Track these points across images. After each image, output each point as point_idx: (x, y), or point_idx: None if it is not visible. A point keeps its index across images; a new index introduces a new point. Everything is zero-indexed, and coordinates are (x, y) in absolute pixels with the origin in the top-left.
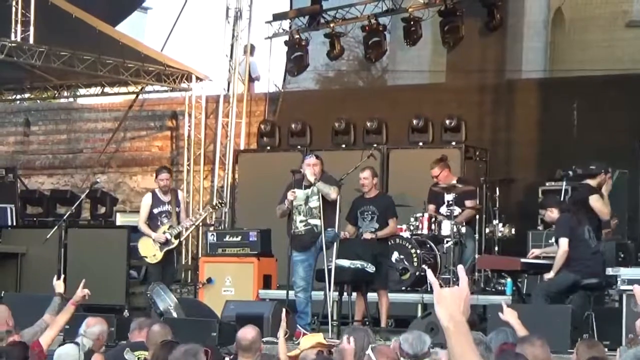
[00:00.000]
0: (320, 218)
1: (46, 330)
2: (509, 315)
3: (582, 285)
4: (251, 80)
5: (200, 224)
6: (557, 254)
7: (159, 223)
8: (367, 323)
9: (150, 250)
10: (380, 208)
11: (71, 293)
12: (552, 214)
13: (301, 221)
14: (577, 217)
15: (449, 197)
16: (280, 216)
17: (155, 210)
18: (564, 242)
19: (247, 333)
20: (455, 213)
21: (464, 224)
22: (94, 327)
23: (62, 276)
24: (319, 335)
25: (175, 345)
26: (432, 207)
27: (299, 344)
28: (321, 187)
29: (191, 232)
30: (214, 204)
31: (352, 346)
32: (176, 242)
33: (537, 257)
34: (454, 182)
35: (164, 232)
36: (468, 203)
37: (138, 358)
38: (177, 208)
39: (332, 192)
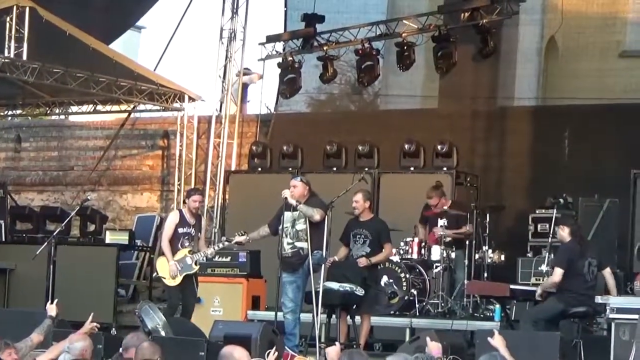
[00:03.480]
0: (307, 241)
1: (44, 354)
2: (498, 342)
3: (571, 314)
4: (244, 99)
5: None
6: (549, 280)
7: (179, 245)
8: (354, 346)
9: (168, 272)
10: (373, 232)
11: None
12: (563, 232)
13: (288, 243)
14: (583, 246)
15: (441, 221)
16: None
17: (180, 230)
18: (558, 272)
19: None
20: (447, 239)
21: (454, 249)
22: (77, 343)
23: (56, 300)
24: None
25: None
26: (422, 231)
27: None
28: (303, 210)
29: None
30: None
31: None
32: (196, 267)
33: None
34: (447, 207)
35: (185, 256)
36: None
37: None
38: (199, 233)
39: (315, 214)
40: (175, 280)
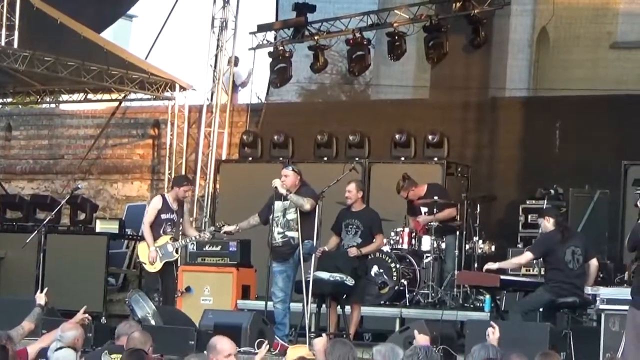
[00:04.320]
0: (297, 230)
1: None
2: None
3: (558, 304)
4: (236, 88)
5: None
6: (514, 259)
7: (161, 231)
8: (344, 336)
9: (147, 257)
10: (365, 222)
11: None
12: (548, 223)
13: (279, 233)
14: (565, 235)
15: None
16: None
17: (163, 216)
18: (526, 255)
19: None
20: (433, 225)
21: (444, 238)
22: (68, 331)
23: (46, 289)
24: (304, 347)
25: (143, 354)
26: (411, 219)
27: (277, 355)
28: (294, 200)
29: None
30: (218, 225)
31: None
32: (177, 255)
33: (489, 270)
34: (424, 192)
35: (167, 242)
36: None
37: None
38: (181, 219)
39: (306, 204)
40: (154, 266)
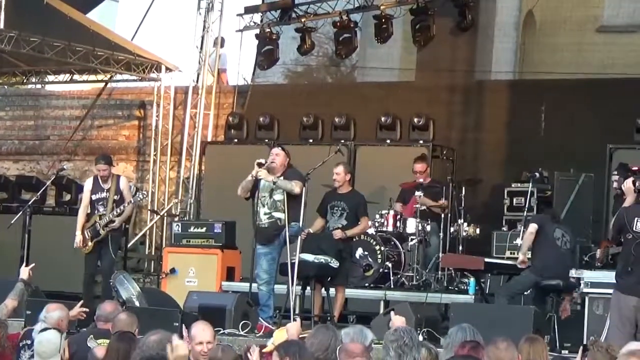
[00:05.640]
0: (284, 211)
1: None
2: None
3: (542, 287)
4: (220, 73)
5: (165, 214)
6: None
7: (95, 211)
8: (329, 318)
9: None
10: (350, 205)
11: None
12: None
13: (265, 214)
14: (556, 215)
15: (418, 192)
16: (241, 192)
17: (94, 197)
18: (531, 226)
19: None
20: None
21: (429, 221)
22: (53, 312)
23: (32, 265)
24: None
25: (133, 337)
26: (399, 205)
27: (261, 337)
28: (282, 185)
29: (155, 222)
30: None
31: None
32: (104, 232)
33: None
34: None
35: (95, 222)
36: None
37: (101, 345)
38: (115, 195)
39: (295, 187)
40: (86, 248)
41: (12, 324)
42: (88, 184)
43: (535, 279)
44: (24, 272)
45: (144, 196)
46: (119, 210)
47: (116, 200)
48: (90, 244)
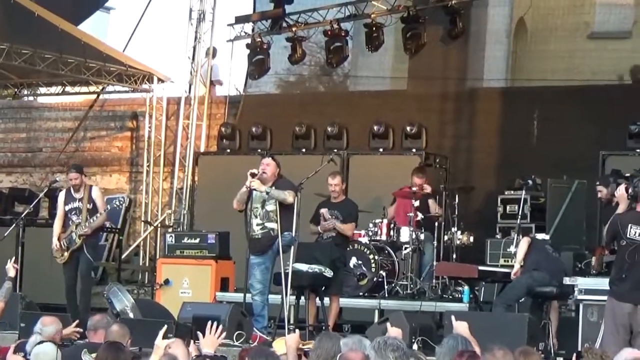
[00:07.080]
0: (277, 222)
1: None
2: (460, 328)
3: (535, 293)
4: (212, 83)
5: (159, 225)
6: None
7: (69, 221)
8: (323, 328)
9: (58, 250)
10: (344, 213)
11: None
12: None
13: (258, 224)
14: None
15: (415, 203)
16: (237, 205)
17: (67, 207)
18: (524, 239)
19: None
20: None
21: (423, 230)
22: (49, 326)
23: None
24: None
25: (121, 347)
26: (392, 208)
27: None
28: (275, 195)
29: (149, 233)
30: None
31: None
32: (79, 241)
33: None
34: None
35: (72, 231)
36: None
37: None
38: (89, 204)
39: (288, 197)
40: (62, 257)
41: (6, 337)
42: (61, 196)
43: (527, 281)
44: (10, 269)
45: (121, 202)
46: (94, 219)
47: (89, 209)
48: (66, 254)
